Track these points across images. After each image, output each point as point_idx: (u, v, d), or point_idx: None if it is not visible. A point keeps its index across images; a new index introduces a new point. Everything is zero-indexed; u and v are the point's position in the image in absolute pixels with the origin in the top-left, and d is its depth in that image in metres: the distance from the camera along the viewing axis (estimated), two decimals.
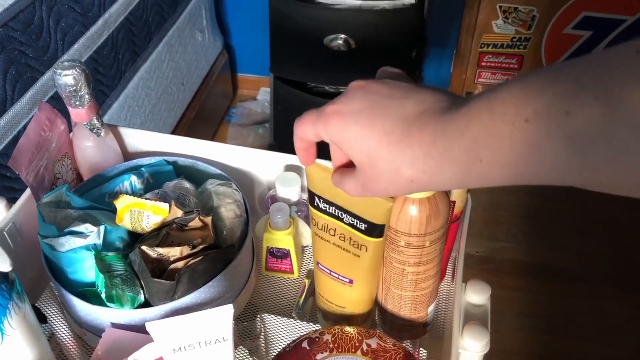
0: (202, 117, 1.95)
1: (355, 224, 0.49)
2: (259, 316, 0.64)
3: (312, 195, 0.51)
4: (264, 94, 2.17)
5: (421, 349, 0.61)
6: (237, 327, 0.63)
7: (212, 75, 1.99)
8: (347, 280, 0.54)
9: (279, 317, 0.64)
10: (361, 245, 0.50)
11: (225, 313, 0.44)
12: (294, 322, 0.64)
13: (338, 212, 0.50)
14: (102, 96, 1.36)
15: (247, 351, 0.61)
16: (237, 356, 0.60)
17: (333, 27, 1.60)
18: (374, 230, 0.48)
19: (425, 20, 1.65)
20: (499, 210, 1.82)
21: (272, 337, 0.63)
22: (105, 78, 1.36)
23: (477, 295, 0.52)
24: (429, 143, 0.35)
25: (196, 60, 1.87)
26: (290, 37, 1.68)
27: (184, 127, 1.82)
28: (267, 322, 0.64)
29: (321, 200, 0.50)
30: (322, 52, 1.63)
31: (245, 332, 0.63)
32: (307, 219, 0.62)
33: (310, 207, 0.52)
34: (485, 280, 0.54)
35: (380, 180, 0.39)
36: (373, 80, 0.40)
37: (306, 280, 0.67)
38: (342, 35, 1.60)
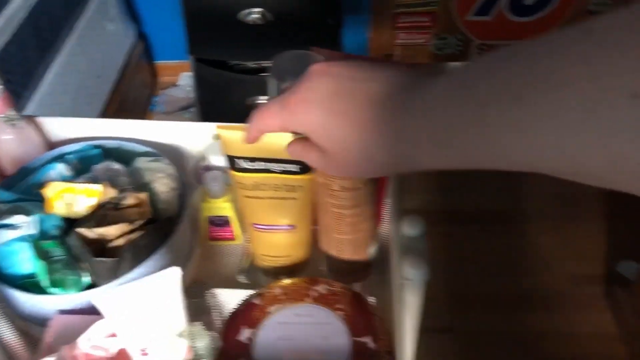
0: (125, 109, 1.90)
1: (287, 169, 0.50)
2: (209, 291, 0.64)
3: (232, 159, 0.51)
4: (185, 79, 2.13)
5: (370, 297, 0.63)
6: (189, 304, 0.63)
7: (129, 66, 1.94)
8: (289, 227, 0.56)
9: (230, 289, 0.64)
10: (297, 187, 0.52)
11: (173, 275, 0.45)
12: (246, 291, 0.64)
13: (266, 165, 0.51)
14: (15, 97, 1.30)
15: (202, 326, 0.62)
16: (194, 332, 0.60)
17: (246, 1, 1.59)
18: (307, 166, 0.50)
19: None
20: None
21: (226, 309, 0.64)
22: (16, 77, 1.30)
23: (412, 229, 0.55)
24: (397, 127, 0.34)
25: (110, 51, 1.81)
26: (205, 16, 1.65)
27: None
28: (218, 295, 0.64)
29: (245, 160, 0.51)
30: (238, 28, 1.62)
31: (198, 308, 0.64)
32: None
33: (234, 173, 0.52)
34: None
35: (352, 165, 0.39)
36: (332, 63, 0.39)
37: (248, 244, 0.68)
38: (257, 9, 1.59)
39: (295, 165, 0.50)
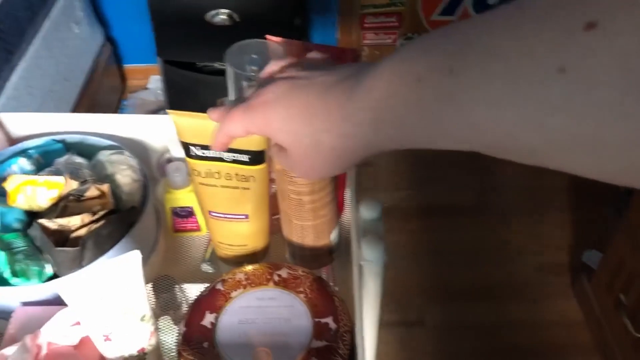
0: (94, 113, 1.89)
1: (237, 158, 0.51)
2: (177, 286, 0.65)
3: (186, 146, 0.52)
4: (155, 82, 2.13)
5: (333, 283, 0.64)
6: (157, 300, 0.64)
7: (97, 69, 1.93)
8: (243, 217, 0.57)
9: (198, 283, 0.64)
10: (249, 177, 0.53)
11: (133, 259, 0.45)
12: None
13: (217, 154, 0.52)
14: None
15: (172, 321, 0.62)
16: (163, 326, 0.61)
17: (213, 3, 1.59)
18: (258, 157, 0.51)
19: None
20: (400, 161, 1.91)
21: None
22: None
23: (370, 212, 0.56)
24: (343, 106, 0.34)
25: (77, 55, 1.80)
26: (173, 18, 1.66)
27: None
28: (186, 290, 0.65)
29: (197, 147, 0.52)
30: (206, 29, 1.62)
31: (167, 303, 0.64)
32: None
33: (188, 159, 0.53)
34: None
35: (306, 157, 0.39)
36: (300, 70, 0.40)
37: None
38: (224, 10, 1.60)
39: (245, 156, 0.51)
